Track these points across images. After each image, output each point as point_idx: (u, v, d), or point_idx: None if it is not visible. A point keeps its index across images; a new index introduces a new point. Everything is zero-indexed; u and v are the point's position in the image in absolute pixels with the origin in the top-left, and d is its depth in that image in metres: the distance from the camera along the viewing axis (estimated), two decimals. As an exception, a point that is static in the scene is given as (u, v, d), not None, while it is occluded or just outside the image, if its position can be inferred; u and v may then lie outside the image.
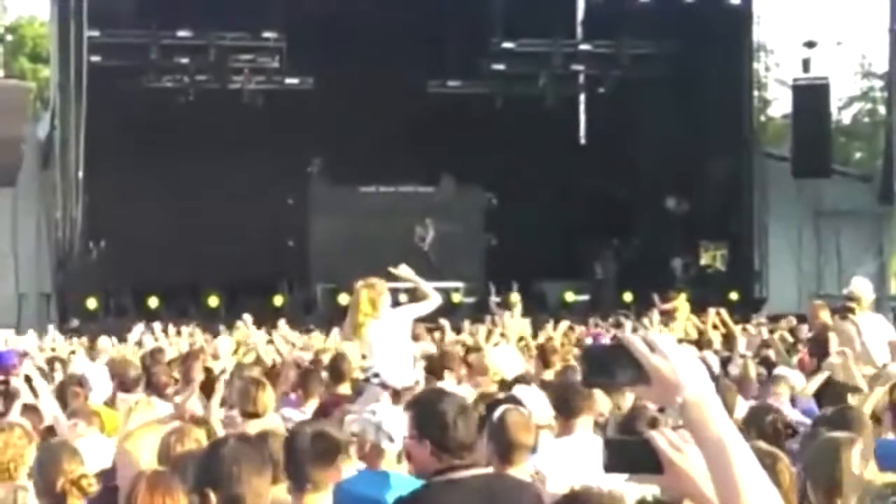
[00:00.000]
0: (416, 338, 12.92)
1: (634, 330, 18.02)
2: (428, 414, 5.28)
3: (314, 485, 5.18)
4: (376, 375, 9.45)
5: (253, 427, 7.60)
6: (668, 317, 21.01)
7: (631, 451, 2.86)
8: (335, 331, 17.72)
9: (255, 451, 4.76)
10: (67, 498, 5.98)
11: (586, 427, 7.27)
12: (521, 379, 9.79)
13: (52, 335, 20.01)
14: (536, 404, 7.36)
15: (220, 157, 30.57)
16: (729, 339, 15.64)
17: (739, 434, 2.73)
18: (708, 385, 2.75)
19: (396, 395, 8.42)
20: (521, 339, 16.97)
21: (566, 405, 7.27)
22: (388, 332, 10.79)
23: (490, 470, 5.53)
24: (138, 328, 19.62)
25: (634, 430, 5.90)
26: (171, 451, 6.65)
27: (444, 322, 16.89)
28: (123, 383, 10.85)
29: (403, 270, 11.65)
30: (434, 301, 11.40)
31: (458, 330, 18.75)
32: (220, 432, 7.64)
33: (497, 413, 6.08)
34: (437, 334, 16.88)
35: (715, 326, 17.46)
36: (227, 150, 30.57)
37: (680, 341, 13.05)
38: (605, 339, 16.52)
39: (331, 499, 5.37)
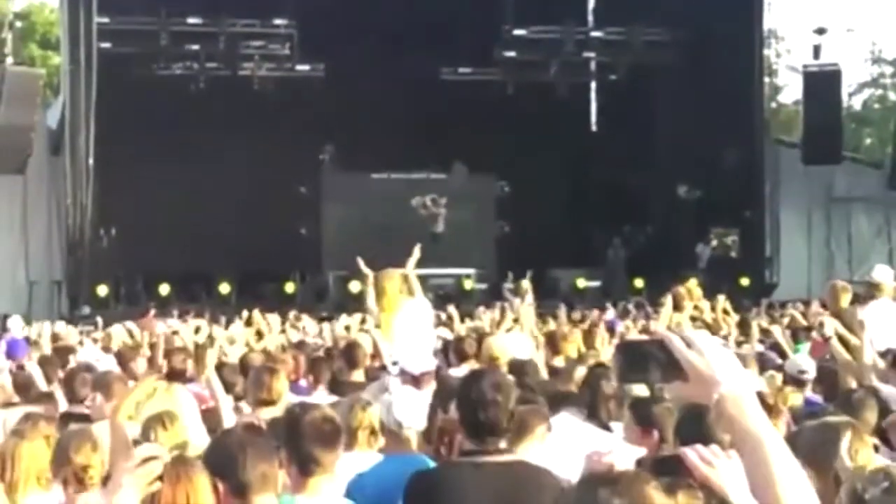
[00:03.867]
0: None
1: (643, 315, 18.00)
2: (462, 395, 5.47)
3: (321, 467, 5.17)
4: (395, 363, 9.47)
5: (266, 415, 7.54)
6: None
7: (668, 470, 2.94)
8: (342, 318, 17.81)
9: (261, 438, 4.79)
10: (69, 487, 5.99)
11: None
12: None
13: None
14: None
15: (231, 145, 30.56)
16: (743, 326, 15.59)
17: (774, 428, 2.77)
18: (744, 380, 2.79)
19: (416, 381, 8.38)
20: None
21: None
22: (412, 319, 10.95)
23: (512, 457, 5.53)
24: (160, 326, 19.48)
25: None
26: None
27: (452, 310, 16.83)
28: (132, 371, 10.85)
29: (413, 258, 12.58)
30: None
31: (470, 316, 18.72)
32: None
33: None
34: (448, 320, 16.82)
35: (726, 312, 17.42)
36: (238, 138, 30.53)
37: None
38: (619, 327, 16.48)
39: (333, 482, 5.39)
